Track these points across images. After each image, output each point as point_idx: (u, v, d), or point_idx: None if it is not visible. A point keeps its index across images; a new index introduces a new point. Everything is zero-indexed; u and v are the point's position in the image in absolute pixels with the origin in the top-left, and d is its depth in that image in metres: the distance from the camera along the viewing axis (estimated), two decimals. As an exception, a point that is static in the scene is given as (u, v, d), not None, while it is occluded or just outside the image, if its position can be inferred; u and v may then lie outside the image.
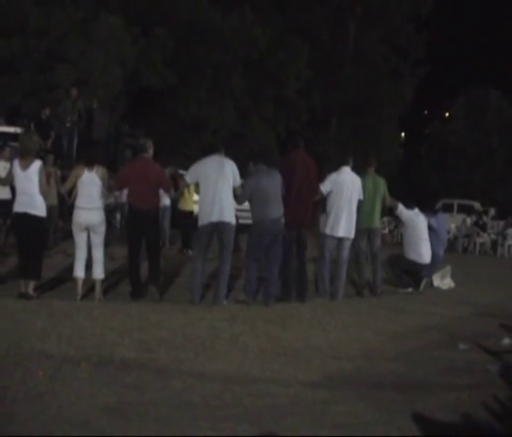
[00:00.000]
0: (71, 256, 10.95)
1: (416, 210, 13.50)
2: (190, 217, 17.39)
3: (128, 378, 5.92)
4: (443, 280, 14.28)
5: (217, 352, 7.13)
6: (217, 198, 10.10)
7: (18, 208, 9.79)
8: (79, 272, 10.12)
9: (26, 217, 9.70)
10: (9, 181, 10.18)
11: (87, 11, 26.07)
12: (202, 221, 10.24)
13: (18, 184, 9.80)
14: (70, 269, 10.45)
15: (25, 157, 9.78)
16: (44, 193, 9.86)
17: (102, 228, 10.20)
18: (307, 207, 11.16)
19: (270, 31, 33.53)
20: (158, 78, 29.02)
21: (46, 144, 19.04)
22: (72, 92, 20.94)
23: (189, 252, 16.90)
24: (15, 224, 10.06)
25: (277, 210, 10.53)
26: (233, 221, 10.31)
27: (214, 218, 10.11)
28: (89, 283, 10.34)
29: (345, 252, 11.68)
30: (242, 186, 10.64)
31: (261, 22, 32.80)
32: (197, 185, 10.79)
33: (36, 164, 9.79)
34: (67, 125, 20.34)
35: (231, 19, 31.46)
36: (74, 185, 10.28)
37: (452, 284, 14.26)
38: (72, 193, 10.78)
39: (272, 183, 10.56)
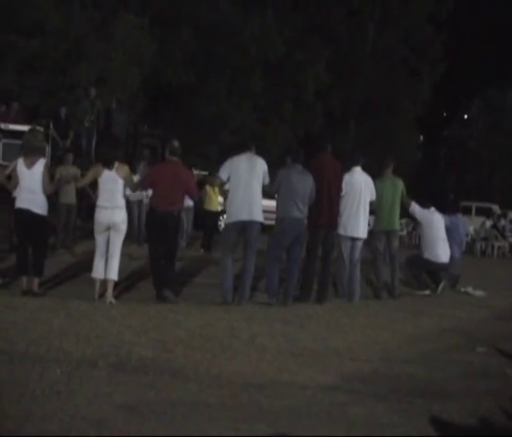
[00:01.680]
0: (87, 254, 10.93)
1: (432, 209, 13.43)
2: (217, 217, 17.38)
3: (145, 377, 5.92)
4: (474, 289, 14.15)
5: (234, 353, 7.12)
6: (247, 196, 10.08)
7: (21, 204, 9.80)
8: (97, 273, 10.04)
9: (29, 214, 9.71)
10: (16, 184, 10.08)
11: (106, 11, 26.17)
12: (231, 219, 10.23)
13: (23, 182, 9.78)
14: (84, 267, 10.44)
15: (30, 155, 9.76)
16: (47, 191, 9.85)
17: (123, 227, 10.09)
18: (335, 208, 11.17)
19: (288, 32, 33.50)
20: (177, 78, 29.04)
21: (64, 143, 19.16)
22: (91, 91, 21.03)
23: (201, 252, 16.96)
24: (17, 220, 10.07)
25: (301, 211, 10.53)
26: (262, 220, 10.31)
27: (244, 217, 10.09)
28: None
29: (357, 252, 11.70)
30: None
31: (280, 23, 32.78)
32: (222, 185, 10.76)
33: (41, 162, 9.79)
34: (86, 124, 20.42)
35: (251, 22, 31.43)
36: (95, 183, 10.27)
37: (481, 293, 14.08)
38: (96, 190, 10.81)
39: (303, 183, 10.54)
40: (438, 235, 13.20)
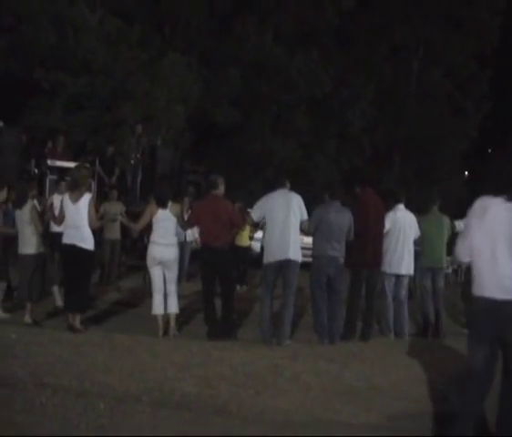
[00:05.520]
0: (132, 289, 10.93)
1: None
2: (246, 252, 17.37)
3: (188, 413, 5.91)
4: None
5: (278, 390, 7.08)
6: (284, 234, 10.00)
7: (66, 239, 9.89)
8: (158, 309, 10.14)
9: (74, 249, 9.77)
10: (63, 219, 10.16)
11: (152, 51, 26.51)
12: (268, 259, 10.17)
13: (68, 217, 9.90)
14: (129, 303, 10.46)
15: (75, 190, 9.89)
16: (93, 226, 9.94)
17: (175, 265, 10.24)
18: (379, 245, 11.11)
19: (332, 69, 33.53)
20: (223, 116, 29.25)
21: (110, 180, 19.34)
22: (136, 129, 21.21)
23: (244, 288, 16.88)
24: (63, 256, 10.17)
25: (337, 249, 10.41)
26: (299, 259, 10.19)
27: (279, 257, 10.02)
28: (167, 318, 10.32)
29: (404, 290, 11.64)
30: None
31: (324, 60, 32.84)
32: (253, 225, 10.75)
33: (86, 197, 9.88)
34: (132, 161, 20.57)
35: (296, 59, 31.53)
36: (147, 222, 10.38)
37: None
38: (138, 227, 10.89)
39: (340, 220, 10.43)
40: None
